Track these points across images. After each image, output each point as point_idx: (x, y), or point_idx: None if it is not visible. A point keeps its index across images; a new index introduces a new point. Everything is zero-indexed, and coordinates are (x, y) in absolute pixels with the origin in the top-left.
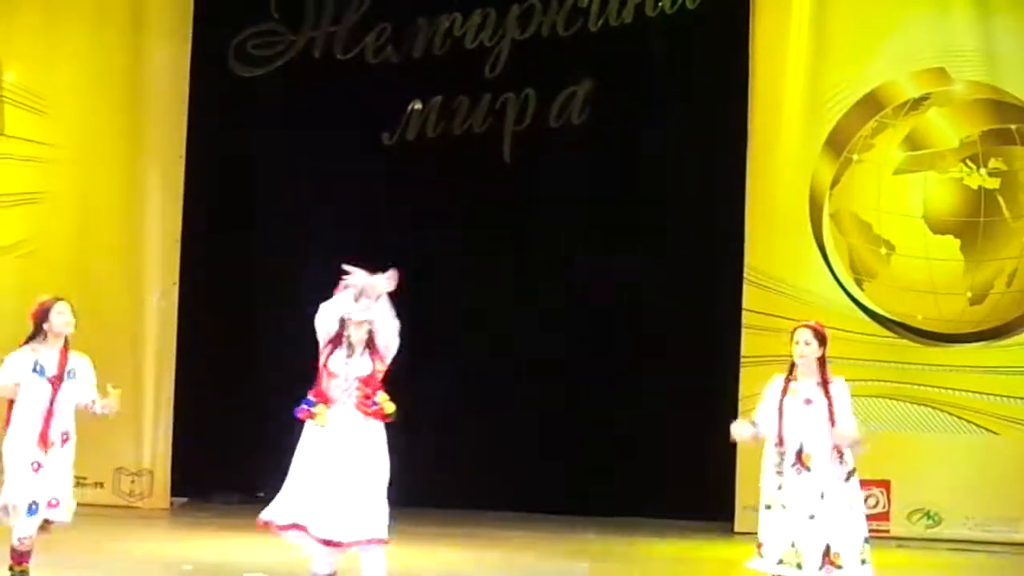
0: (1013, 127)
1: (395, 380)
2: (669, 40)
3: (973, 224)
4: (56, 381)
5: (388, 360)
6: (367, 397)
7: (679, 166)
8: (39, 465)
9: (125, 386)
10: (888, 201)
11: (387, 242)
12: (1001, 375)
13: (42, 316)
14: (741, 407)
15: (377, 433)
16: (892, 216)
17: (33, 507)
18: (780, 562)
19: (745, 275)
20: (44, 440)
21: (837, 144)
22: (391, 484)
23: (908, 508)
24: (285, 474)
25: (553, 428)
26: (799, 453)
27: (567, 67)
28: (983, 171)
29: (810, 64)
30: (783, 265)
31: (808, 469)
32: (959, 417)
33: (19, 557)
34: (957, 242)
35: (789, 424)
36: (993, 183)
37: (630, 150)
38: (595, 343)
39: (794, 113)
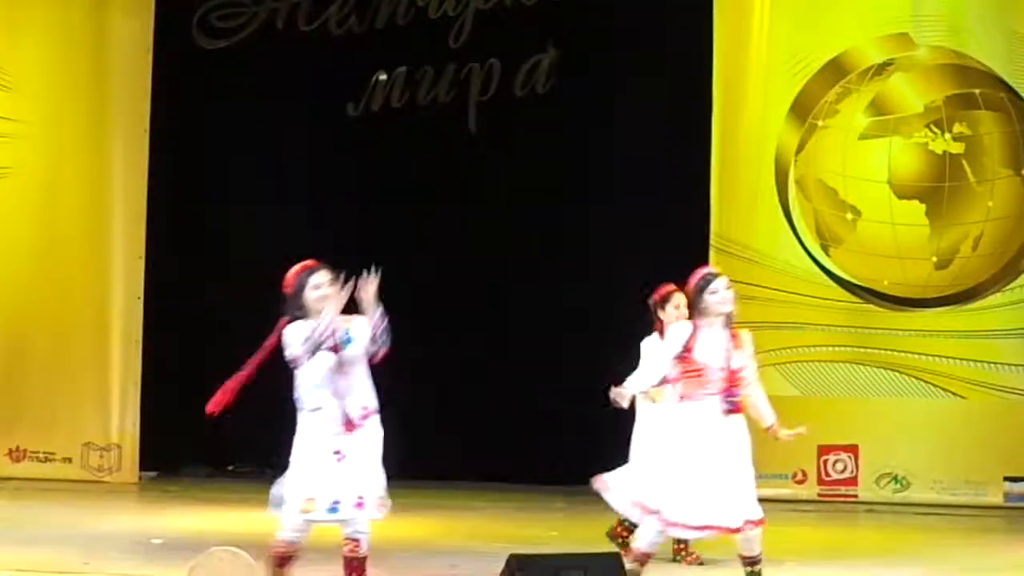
0: (977, 92)
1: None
2: (633, 8)
3: (938, 189)
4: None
5: None
6: None
7: (643, 134)
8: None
9: (92, 361)
10: (853, 166)
11: (352, 213)
12: (967, 339)
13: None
14: None
15: None
16: (857, 181)
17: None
18: None
19: (711, 242)
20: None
21: (802, 110)
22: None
23: (876, 473)
24: (255, 448)
25: (522, 398)
26: None
27: (531, 36)
28: (948, 136)
29: (774, 30)
30: (749, 232)
31: None
32: (926, 382)
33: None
34: (922, 207)
35: None
36: (958, 148)
37: (594, 119)
38: (562, 313)
39: (758, 80)
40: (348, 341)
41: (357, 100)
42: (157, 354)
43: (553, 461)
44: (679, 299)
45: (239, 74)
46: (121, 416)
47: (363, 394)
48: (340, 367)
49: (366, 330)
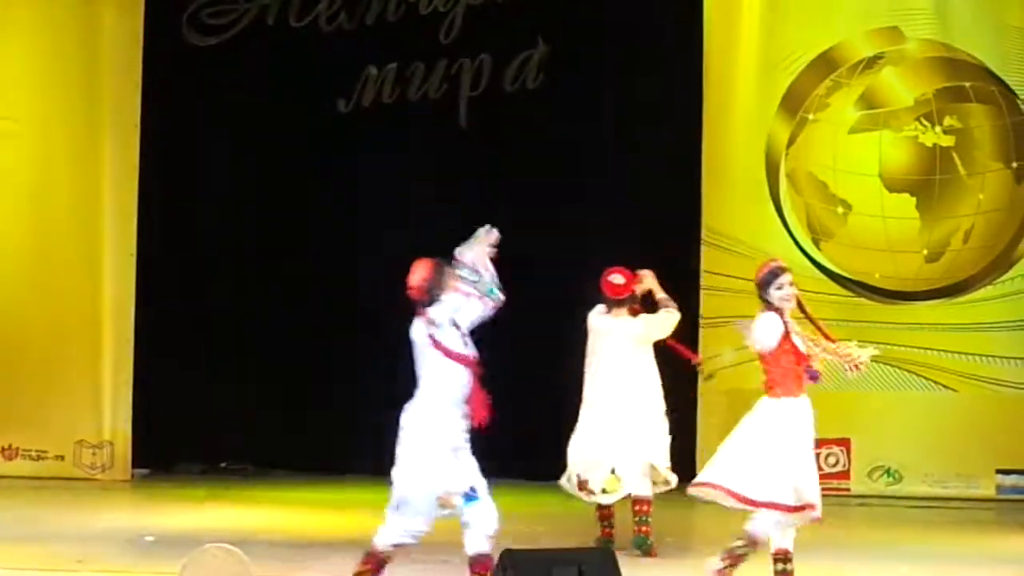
0: (967, 84)
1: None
2: (623, 3)
3: (929, 182)
4: None
5: None
6: None
7: (634, 129)
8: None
9: (83, 358)
10: (844, 160)
11: (343, 209)
12: (958, 332)
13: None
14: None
15: None
16: (848, 175)
17: None
18: None
19: (702, 236)
20: None
21: (792, 104)
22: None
23: (869, 466)
24: (247, 445)
25: (505, 393)
26: None
27: (521, 32)
28: (938, 129)
29: (764, 25)
30: (740, 226)
31: None
32: (917, 375)
33: None
34: (913, 200)
35: None
36: (948, 141)
37: (585, 114)
38: (551, 308)
39: (749, 74)
40: None
41: (348, 96)
42: (149, 351)
43: (545, 456)
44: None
45: (230, 71)
46: (113, 414)
47: None
48: None
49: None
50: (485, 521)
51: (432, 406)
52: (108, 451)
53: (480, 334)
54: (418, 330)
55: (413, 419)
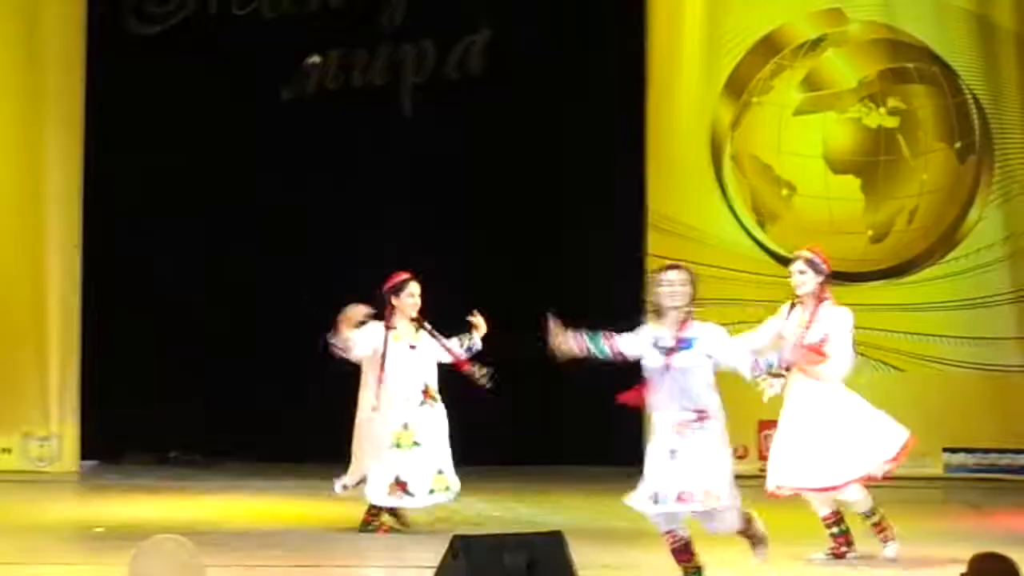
0: (911, 66)
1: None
2: None
3: (873, 163)
4: None
5: None
6: None
7: (578, 114)
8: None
9: (30, 350)
10: (788, 142)
11: (288, 197)
12: (904, 312)
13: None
14: None
15: None
16: (793, 157)
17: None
18: None
19: (648, 219)
20: None
21: (736, 87)
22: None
23: None
24: (196, 436)
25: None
26: None
27: (464, 18)
28: (882, 110)
29: (708, 7)
30: (686, 209)
31: None
32: (864, 355)
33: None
34: (858, 181)
35: None
36: (892, 122)
37: (529, 99)
38: (497, 294)
39: (693, 57)
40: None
41: (291, 83)
42: (96, 343)
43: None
44: None
45: (173, 59)
46: (61, 406)
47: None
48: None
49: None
50: None
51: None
52: (56, 443)
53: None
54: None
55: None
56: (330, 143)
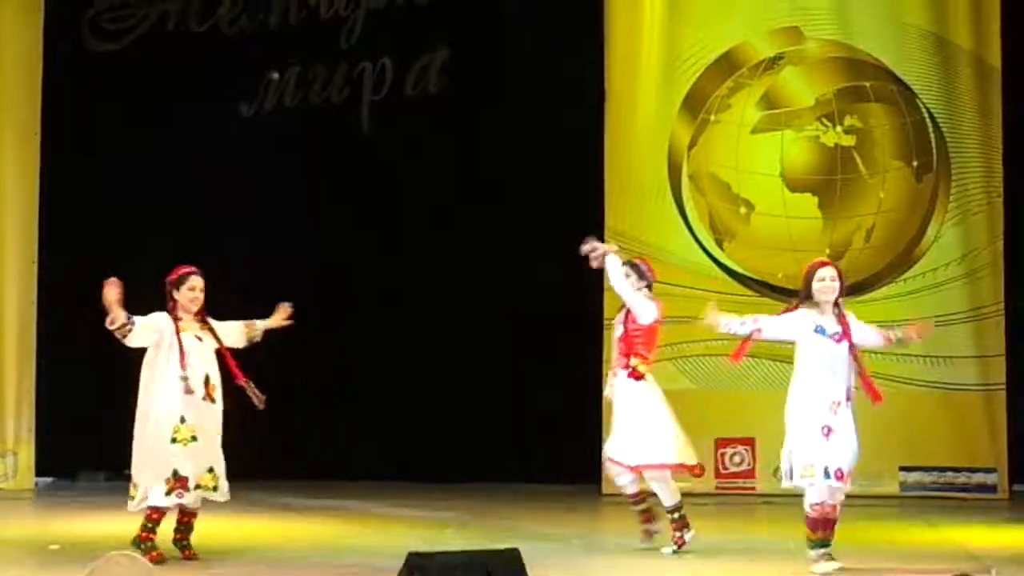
0: (867, 84)
1: (277, 353)
2: (523, 5)
3: (830, 182)
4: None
5: (641, 322)
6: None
7: (536, 132)
8: (829, 430)
9: None
10: (746, 160)
11: (247, 213)
12: None
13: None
14: (605, 369)
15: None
16: (750, 175)
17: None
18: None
19: (605, 238)
20: None
21: (694, 105)
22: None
23: (773, 465)
24: None
25: (413, 395)
26: None
27: (422, 35)
28: (839, 129)
29: (666, 26)
30: (643, 227)
31: None
32: None
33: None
34: (815, 200)
35: None
36: (849, 140)
37: (487, 117)
38: (457, 311)
39: (651, 75)
40: None
41: (250, 100)
42: (52, 359)
43: (453, 458)
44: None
45: (131, 76)
46: (16, 422)
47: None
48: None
49: None
50: None
51: None
52: (12, 461)
53: (384, 335)
54: None
55: None
56: (288, 159)
